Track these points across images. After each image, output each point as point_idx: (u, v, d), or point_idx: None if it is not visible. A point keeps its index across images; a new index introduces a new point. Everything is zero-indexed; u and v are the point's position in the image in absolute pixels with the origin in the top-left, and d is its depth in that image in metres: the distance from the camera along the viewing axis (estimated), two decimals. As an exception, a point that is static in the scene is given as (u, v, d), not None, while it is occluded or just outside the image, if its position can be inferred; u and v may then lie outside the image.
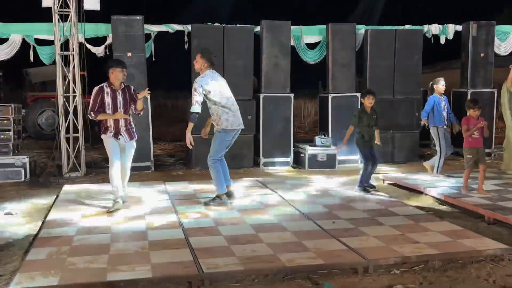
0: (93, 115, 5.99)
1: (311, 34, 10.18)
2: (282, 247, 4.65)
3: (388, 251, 4.51)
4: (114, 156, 6.02)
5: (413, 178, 7.83)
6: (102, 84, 6.04)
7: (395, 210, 6.05)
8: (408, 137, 10.01)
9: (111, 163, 6.05)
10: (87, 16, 8.72)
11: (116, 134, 6.04)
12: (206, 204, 6.19)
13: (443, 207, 6.46)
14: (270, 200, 6.55)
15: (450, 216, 6.02)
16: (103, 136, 6.10)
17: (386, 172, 8.64)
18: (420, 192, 7.13)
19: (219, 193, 6.17)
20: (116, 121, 6.01)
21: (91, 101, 5.98)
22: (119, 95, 6.02)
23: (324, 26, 10.00)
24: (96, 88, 6.00)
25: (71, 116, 8.80)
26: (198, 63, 6.22)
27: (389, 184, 7.86)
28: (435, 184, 7.34)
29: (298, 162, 9.55)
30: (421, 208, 6.30)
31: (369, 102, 7.02)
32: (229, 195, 6.32)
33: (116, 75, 5.96)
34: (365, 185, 7.08)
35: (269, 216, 5.77)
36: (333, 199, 6.67)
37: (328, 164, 9.22)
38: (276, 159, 9.50)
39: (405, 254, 4.43)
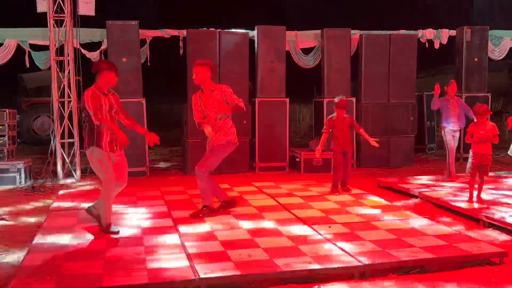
0: (99, 117, 5.07)
1: (306, 39, 10.23)
2: (278, 251, 4.64)
3: (384, 255, 4.51)
4: (112, 173, 5.24)
5: (409, 182, 7.86)
6: (92, 87, 5.19)
7: (391, 214, 6.06)
8: (403, 141, 10.05)
9: (109, 181, 5.23)
10: (82, 21, 8.73)
11: (112, 145, 5.26)
12: (192, 216, 5.93)
13: (439, 211, 6.48)
14: (265, 205, 6.55)
15: (445, 220, 6.04)
16: (97, 149, 5.19)
17: (382, 176, 8.66)
18: (416, 196, 7.15)
19: (207, 204, 6.04)
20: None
21: (91, 104, 5.06)
22: (111, 101, 5.28)
23: (319, 31, 10.05)
24: (89, 92, 5.12)
25: (66, 121, 8.80)
26: (199, 74, 5.84)
27: (384, 188, 7.88)
28: (431, 188, 7.36)
29: (293, 167, 9.56)
30: (417, 212, 6.31)
31: (339, 113, 7.21)
32: (233, 203, 6.27)
33: (111, 79, 5.21)
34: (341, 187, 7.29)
35: (265, 221, 5.76)
36: (329, 203, 6.67)
37: (324, 169, 9.23)
38: (272, 164, 9.51)
39: (401, 258, 4.43)
